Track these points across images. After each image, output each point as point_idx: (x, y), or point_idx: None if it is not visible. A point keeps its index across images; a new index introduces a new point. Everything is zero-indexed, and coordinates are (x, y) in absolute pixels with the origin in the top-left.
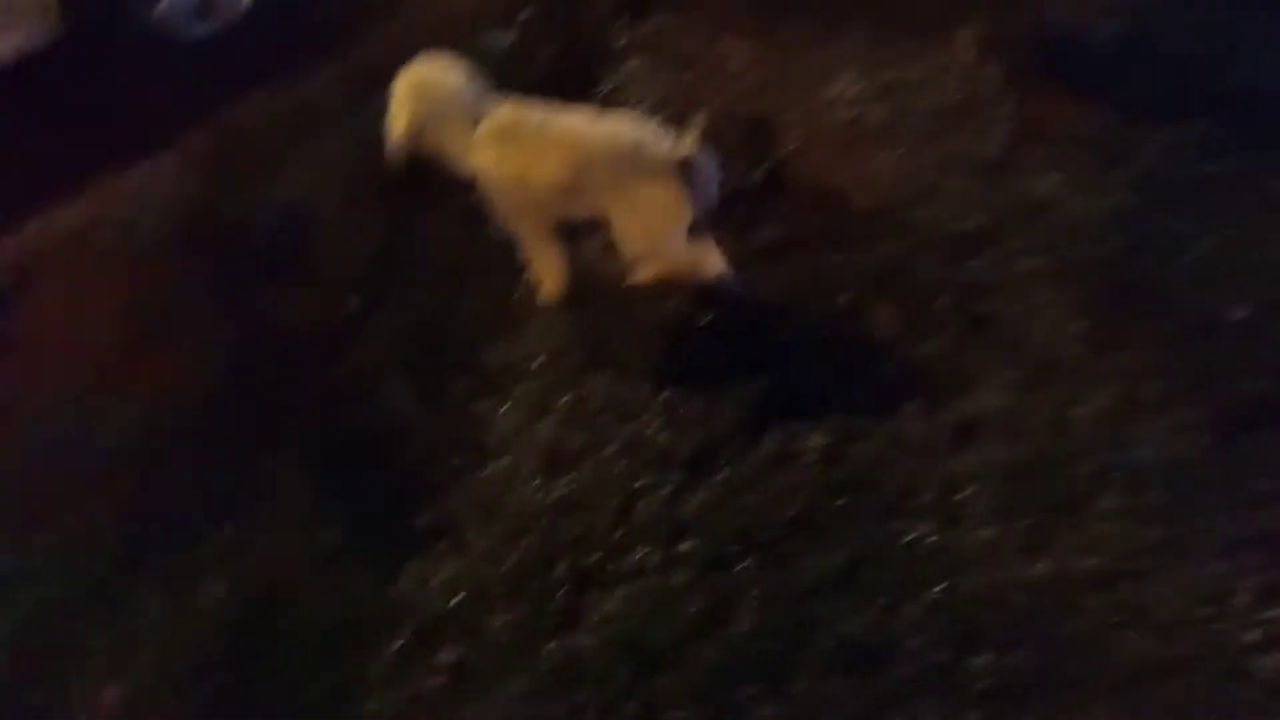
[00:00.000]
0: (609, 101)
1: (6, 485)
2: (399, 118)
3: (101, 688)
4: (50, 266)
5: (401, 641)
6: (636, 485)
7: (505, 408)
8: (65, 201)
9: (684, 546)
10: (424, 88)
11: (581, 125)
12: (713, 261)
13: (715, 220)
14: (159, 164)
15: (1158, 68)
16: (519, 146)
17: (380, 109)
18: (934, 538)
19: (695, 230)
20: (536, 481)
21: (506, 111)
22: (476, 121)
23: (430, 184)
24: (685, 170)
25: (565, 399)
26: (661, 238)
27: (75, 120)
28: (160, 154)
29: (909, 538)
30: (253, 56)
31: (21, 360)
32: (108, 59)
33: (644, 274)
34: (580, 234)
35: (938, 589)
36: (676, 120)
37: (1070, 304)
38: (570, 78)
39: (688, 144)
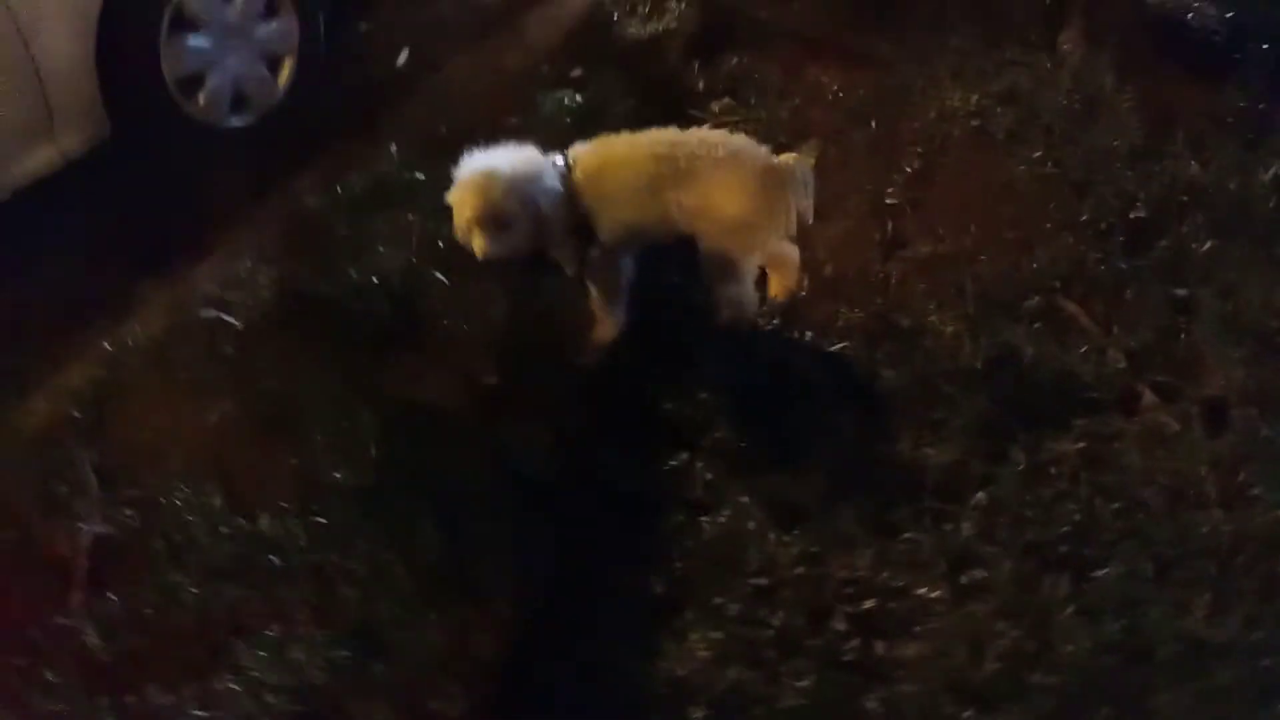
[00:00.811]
0: None
1: None
2: (460, 213)
3: None
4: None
5: None
6: (890, 520)
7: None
8: (143, 303)
9: (972, 575)
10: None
11: (668, 135)
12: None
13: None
14: (232, 255)
15: (1269, 44)
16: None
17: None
18: (1229, 526)
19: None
20: (770, 534)
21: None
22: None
23: None
24: (787, 174)
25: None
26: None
27: (137, 217)
28: (227, 245)
29: (1205, 528)
30: (298, 140)
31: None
32: (157, 154)
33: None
34: None
35: (1252, 576)
36: (788, 148)
37: (1266, 275)
38: (660, 124)
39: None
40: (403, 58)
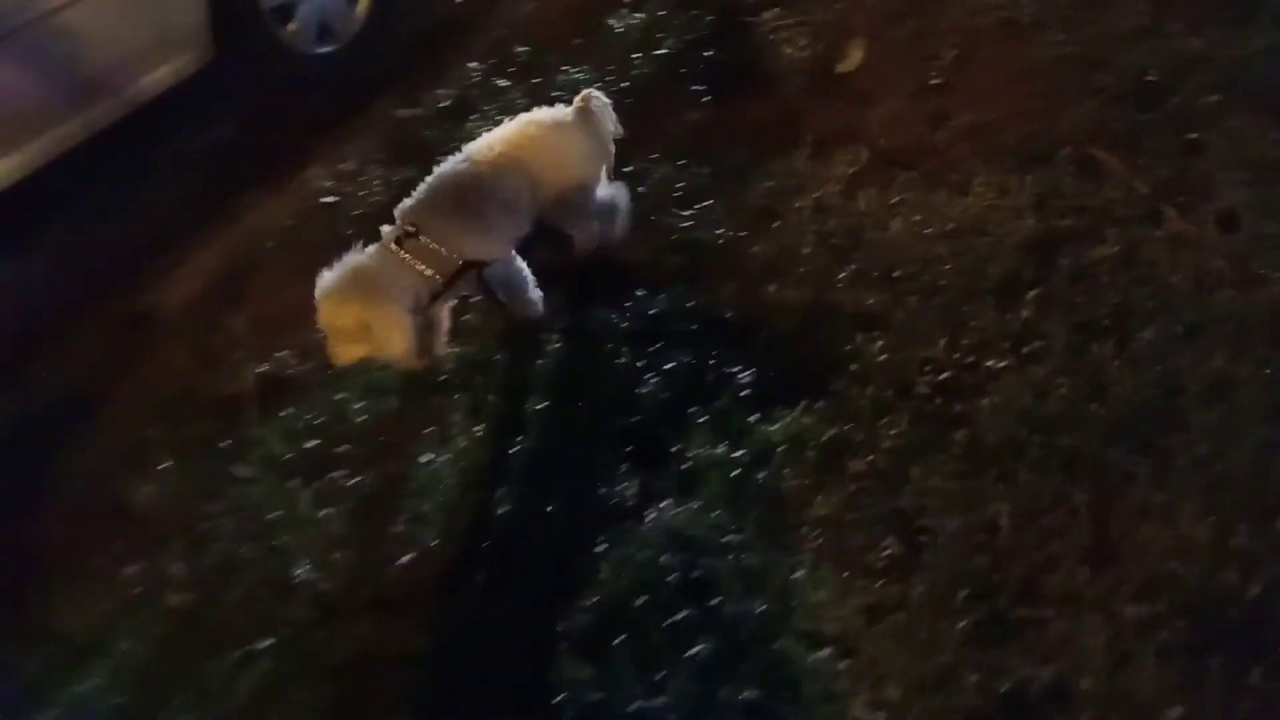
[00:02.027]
0: (766, 40)
1: None
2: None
3: None
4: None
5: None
6: (956, 317)
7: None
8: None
9: (1032, 347)
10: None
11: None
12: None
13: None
14: (336, 159)
15: None
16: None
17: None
18: (1242, 299)
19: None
20: (856, 335)
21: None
22: None
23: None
24: (584, 114)
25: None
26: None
27: (247, 130)
28: (329, 152)
29: (1222, 301)
30: (380, 63)
31: None
32: (256, 77)
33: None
34: None
35: (1263, 330)
36: (837, 47)
37: (1266, 120)
38: (718, 35)
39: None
40: None
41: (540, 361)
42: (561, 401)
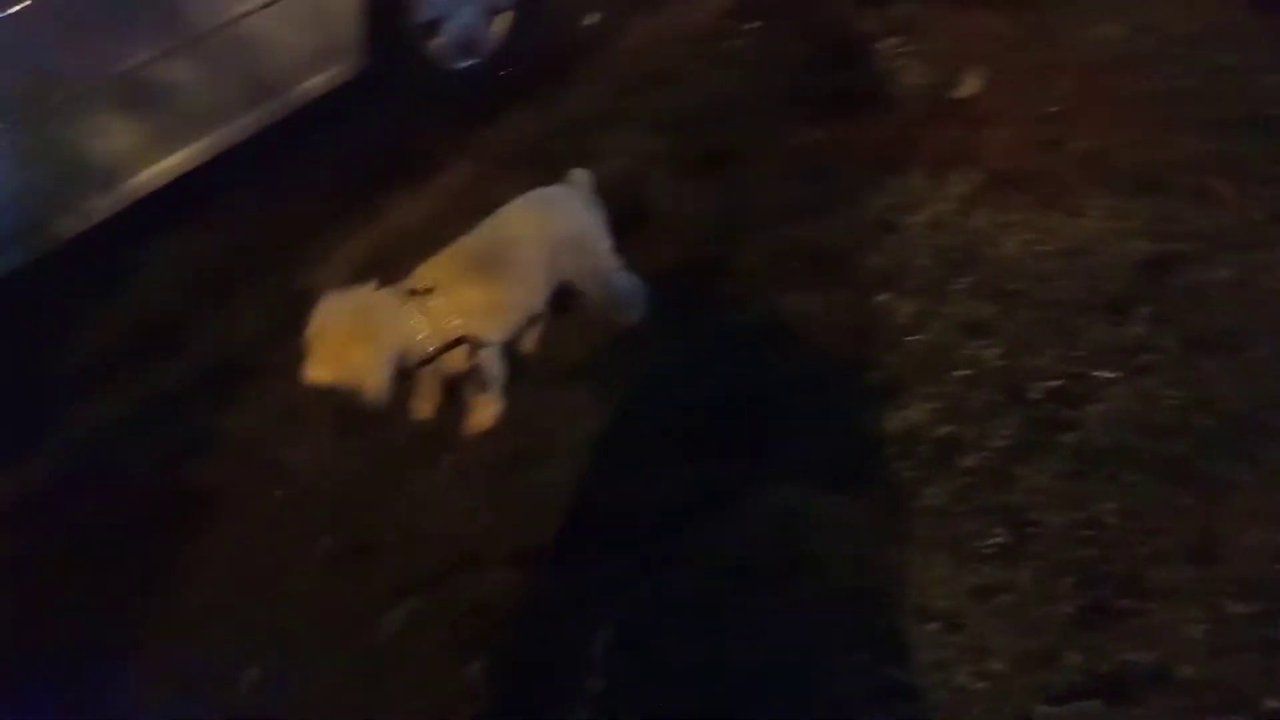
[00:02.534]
0: (885, 65)
1: None
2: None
3: None
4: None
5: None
6: (1069, 326)
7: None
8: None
9: (1142, 359)
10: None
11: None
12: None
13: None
14: (473, 165)
15: None
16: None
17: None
18: None
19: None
20: (968, 342)
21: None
22: None
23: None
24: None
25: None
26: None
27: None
28: (463, 159)
29: None
30: (512, 80)
31: None
32: (401, 87)
33: None
34: None
35: None
36: (955, 74)
37: None
38: (838, 59)
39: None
40: (592, 18)
41: (656, 356)
42: (676, 392)
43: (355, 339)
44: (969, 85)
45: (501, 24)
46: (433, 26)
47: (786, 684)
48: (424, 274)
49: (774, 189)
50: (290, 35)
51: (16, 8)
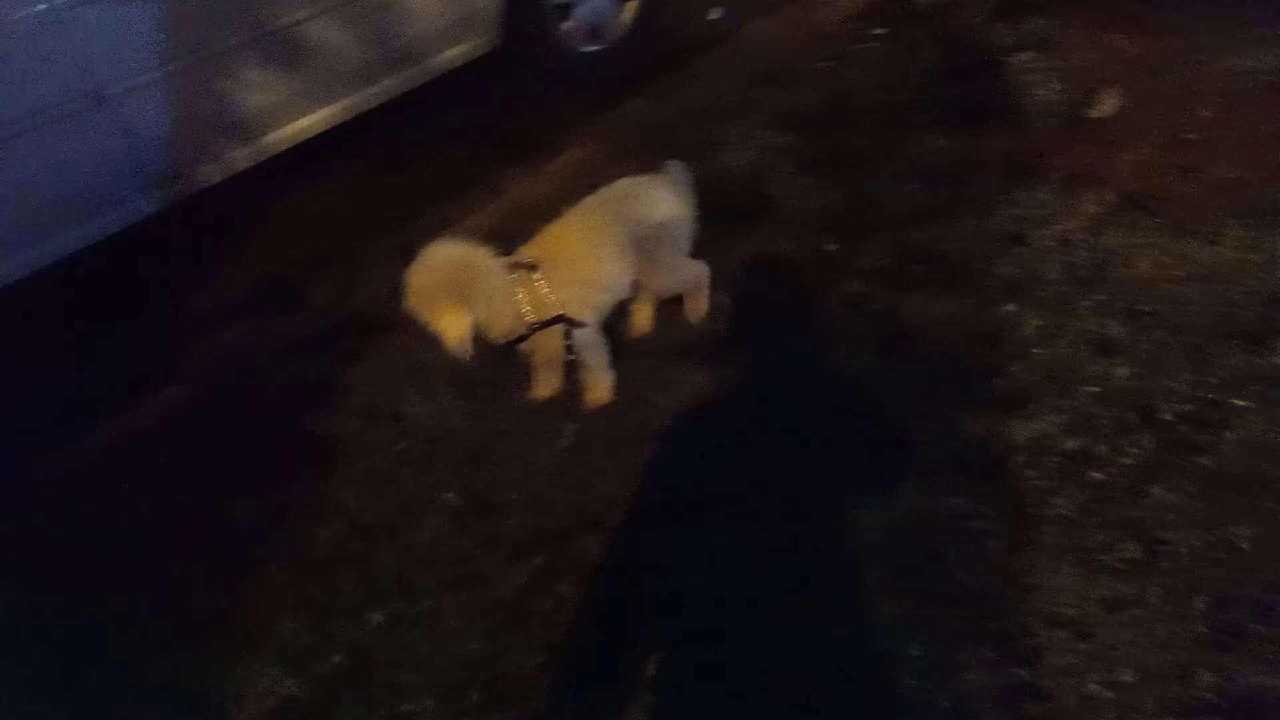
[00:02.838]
0: (1018, 79)
1: None
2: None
3: None
4: None
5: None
6: (1205, 351)
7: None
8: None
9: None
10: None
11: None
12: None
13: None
14: (595, 147)
15: None
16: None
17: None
18: None
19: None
20: (1098, 359)
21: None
22: None
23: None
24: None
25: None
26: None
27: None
28: (584, 140)
29: None
30: (634, 68)
31: None
32: (530, 66)
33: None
34: None
35: None
36: (1090, 93)
37: None
38: (968, 69)
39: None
40: (716, 13)
41: (776, 346)
42: (794, 382)
43: (445, 289)
44: (1105, 105)
45: (628, 13)
46: (565, 10)
47: (905, 672)
48: (526, 250)
49: (898, 192)
50: (437, 5)
51: None
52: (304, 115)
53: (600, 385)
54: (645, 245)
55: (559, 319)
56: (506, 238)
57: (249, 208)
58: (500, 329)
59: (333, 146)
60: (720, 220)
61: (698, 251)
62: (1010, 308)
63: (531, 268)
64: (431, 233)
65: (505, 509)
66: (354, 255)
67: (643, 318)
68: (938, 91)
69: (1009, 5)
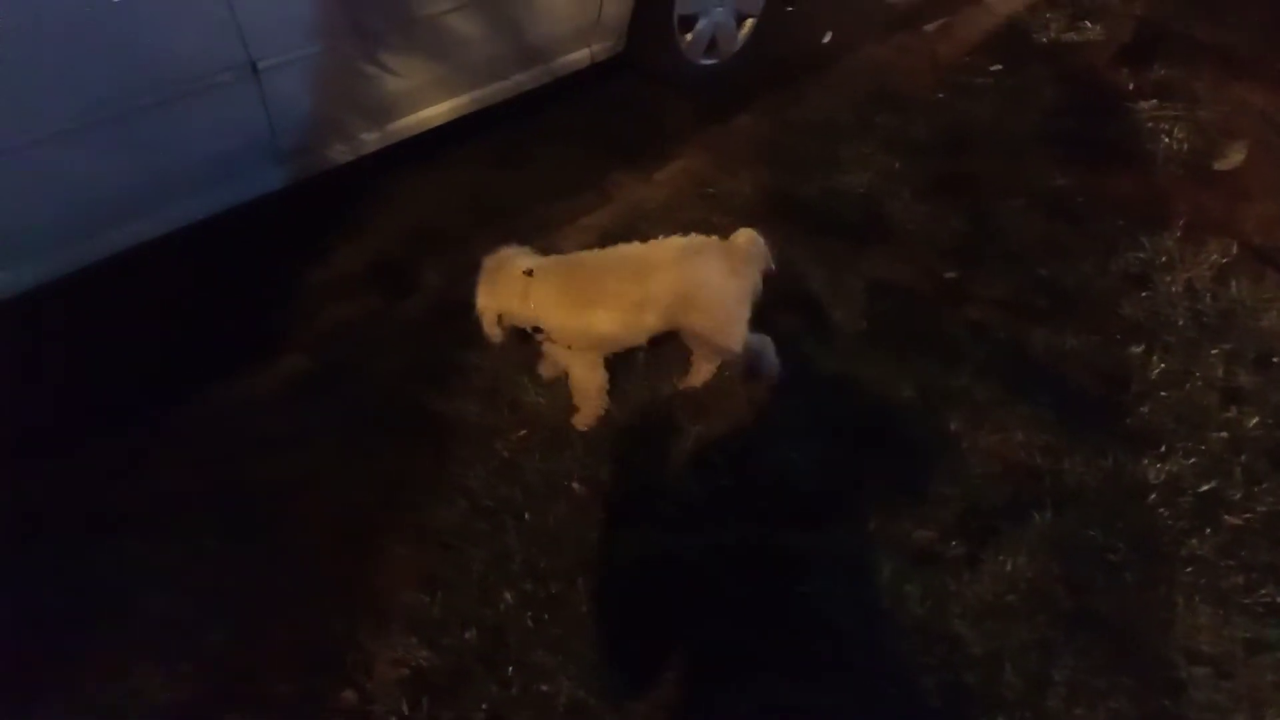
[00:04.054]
0: (1143, 125)
1: None
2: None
3: None
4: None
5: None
6: None
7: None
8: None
9: None
10: None
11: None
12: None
13: None
14: (706, 158)
15: None
16: None
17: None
18: None
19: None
20: (1230, 406)
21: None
22: None
23: (980, 183)
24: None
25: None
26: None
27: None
28: (694, 152)
29: None
30: (747, 83)
31: None
32: (650, 74)
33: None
34: None
35: None
36: (1216, 145)
37: None
38: (1092, 112)
39: (1235, 159)
40: (828, 37)
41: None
42: (924, 408)
43: (483, 281)
44: (1231, 158)
45: (745, 30)
46: (688, 21)
47: (1048, 695)
48: (541, 264)
49: (1019, 224)
50: (572, 6)
51: None
52: (434, 104)
53: (581, 409)
54: (680, 311)
55: (538, 330)
56: (621, 238)
57: (365, 190)
58: (517, 321)
59: (448, 136)
60: (838, 237)
61: (813, 265)
62: (1137, 349)
63: (529, 275)
64: (541, 228)
65: (626, 500)
66: (464, 244)
67: (694, 373)
68: (1060, 129)
69: (1136, 51)
